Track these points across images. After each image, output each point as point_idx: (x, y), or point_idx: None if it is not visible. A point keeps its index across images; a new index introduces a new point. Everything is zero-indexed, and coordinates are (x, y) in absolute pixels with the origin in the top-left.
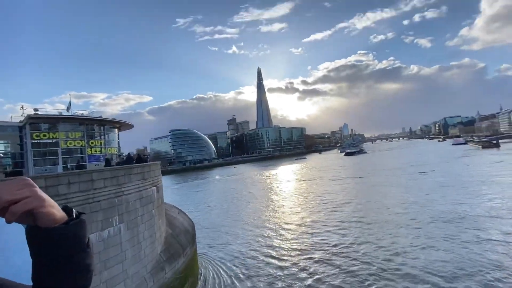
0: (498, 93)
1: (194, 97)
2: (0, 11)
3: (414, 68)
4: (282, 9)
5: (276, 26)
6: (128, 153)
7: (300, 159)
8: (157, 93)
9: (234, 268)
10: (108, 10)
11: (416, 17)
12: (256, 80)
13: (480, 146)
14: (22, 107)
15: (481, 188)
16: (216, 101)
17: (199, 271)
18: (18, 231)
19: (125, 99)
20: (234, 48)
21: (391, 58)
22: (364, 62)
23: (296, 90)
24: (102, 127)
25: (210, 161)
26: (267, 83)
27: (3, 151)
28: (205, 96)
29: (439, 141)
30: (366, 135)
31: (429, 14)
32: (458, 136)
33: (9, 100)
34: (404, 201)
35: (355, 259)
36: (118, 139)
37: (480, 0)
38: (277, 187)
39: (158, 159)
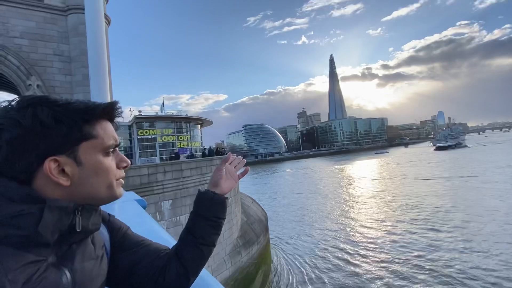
0: None
1: (265, 92)
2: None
3: None
4: None
5: (350, 8)
6: (210, 147)
7: (381, 153)
8: (231, 91)
9: (304, 263)
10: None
11: None
12: (328, 69)
13: None
14: (130, 109)
15: None
16: (286, 95)
17: (272, 259)
18: (135, 207)
19: (205, 99)
20: (303, 38)
21: (507, 25)
22: (466, 35)
23: (375, 76)
24: (188, 124)
25: (280, 154)
26: (340, 71)
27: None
28: (275, 91)
29: None
30: (470, 124)
31: None
32: None
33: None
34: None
35: (446, 277)
36: (201, 134)
37: None
38: (350, 184)
39: (234, 152)
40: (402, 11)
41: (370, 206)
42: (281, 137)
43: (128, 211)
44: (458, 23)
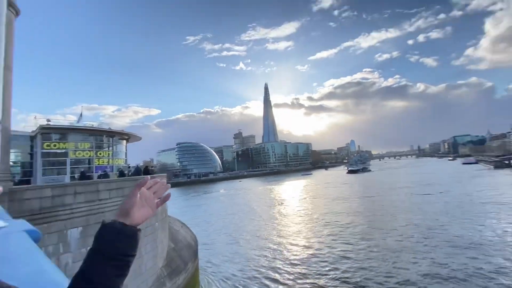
0: (507, 112)
1: (202, 111)
2: (20, 23)
3: (420, 86)
4: (288, 29)
5: (283, 44)
6: (137, 165)
7: (306, 174)
8: (165, 107)
9: (234, 287)
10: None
11: (421, 37)
12: (263, 95)
13: (493, 166)
14: (35, 117)
15: (496, 212)
16: (223, 115)
17: (201, 286)
18: (22, 240)
19: (134, 112)
20: (241, 64)
21: (397, 76)
22: (370, 80)
23: (302, 106)
24: (111, 139)
25: (215, 174)
26: (274, 99)
27: (13, 160)
28: (212, 110)
29: (449, 160)
30: (374, 152)
31: (434, 34)
32: (469, 155)
33: (22, 110)
34: (411, 223)
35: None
36: (126, 150)
37: (484, 22)
38: (281, 204)
39: (164, 171)
40: (324, 54)
41: (296, 224)
42: (217, 156)
43: (11, 246)
44: (364, 70)
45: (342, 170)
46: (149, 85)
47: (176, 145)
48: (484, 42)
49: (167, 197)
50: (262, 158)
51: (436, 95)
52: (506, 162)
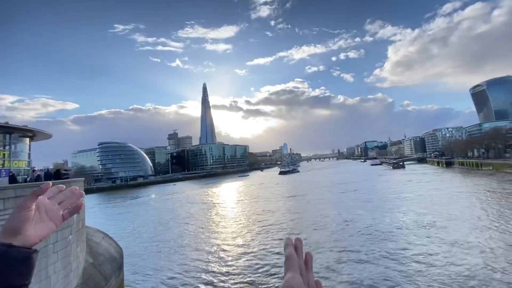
0: (402, 123)
1: (130, 107)
2: None
3: (340, 98)
4: (227, 32)
5: (222, 47)
6: (47, 169)
7: (243, 176)
8: (85, 101)
9: None
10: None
11: (342, 55)
12: (201, 95)
13: (391, 167)
14: None
15: (395, 204)
16: (156, 114)
17: None
18: None
19: (43, 105)
20: (178, 61)
21: (323, 87)
22: (300, 89)
23: (240, 109)
24: (7, 135)
25: (145, 178)
26: (212, 100)
27: None
28: (143, 108)
29: (361, 161)
30: (303, 154)
31: (351, 54)
32: (375, 158)
33: None
34: (331, 217)
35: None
36: (30, 150)
37: (387, 49)
38: (215, 206)
39: (82, 175)
40: (261, 60)
41: (229, 227)
42: (148, 159)
43: None
44: (296, 79)
45: (275, 171)
46: (64, 74)
47: (98, 145)
48: (387, 65)
49: (77, 207)
50: (199, 160)
51: (352, 106)
52: (401, 163)
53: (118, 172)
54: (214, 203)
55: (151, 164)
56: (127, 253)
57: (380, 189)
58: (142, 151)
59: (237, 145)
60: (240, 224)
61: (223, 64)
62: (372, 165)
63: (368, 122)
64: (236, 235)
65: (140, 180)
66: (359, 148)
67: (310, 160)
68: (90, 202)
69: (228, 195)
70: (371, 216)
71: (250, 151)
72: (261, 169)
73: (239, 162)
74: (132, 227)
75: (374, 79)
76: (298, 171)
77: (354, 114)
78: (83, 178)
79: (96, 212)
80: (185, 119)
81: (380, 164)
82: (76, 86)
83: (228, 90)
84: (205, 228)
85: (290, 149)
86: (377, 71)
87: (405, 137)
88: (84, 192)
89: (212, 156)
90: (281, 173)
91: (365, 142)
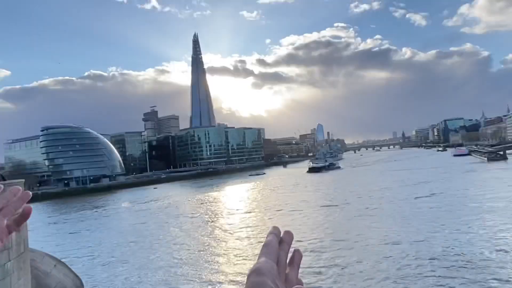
0: (504, 89)
1: (86, 74)
2: None
3: (407, 52)
4: None
5: None
6: None
7: (257, 175)
8: (19, 65)
9: None
10: None
11: None
12: (191, 53)
13: (486, 158)
14: None
15: (493, 221)
16: (124, 83)
17: None
18: None
19: None
20: (154, 2)
21: (378, 36)
22: (343, 39)
23: (250, 73)
24: None
25: (113, 178)
26: (208, 60)
27: None
28: (105, 74)
29: (438, 150)
30: (348, 141)
31: None
32: (460, 145)
33: None
34: (391, 239)
35: None
36: None
37: None
38: (214, 224)
39: (21, 175)
40: None
41: (239, 257)
42: (115, 150)
43: None
44: (335, 24)
45: (305, 167)
46: None
47: (42, 130)
48: None
49: (25, 215)
50: (190, 151)
51: (425, 65)
52: (500, 153)
53: (72, 171)
54: (213, 218)
55: (120, 159)
56: (87, 285)
57: (467, 195)
58: (106, 139)
59: (247, 128)
60: (252, 250)
61: (223, 4)
62: (455, 155)
63: (450, 89)
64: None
65: (105, 182)
66: (435, 130)
67: (359, 150)
68: (34, 215)
69: (235, 206)
70: (452, 235)
71: (267, 136)
72: (284, 163)
73: (250, 153)
74: (95, 250)
75: (460, 21)
76: (339, 167)
77: (428, 78)
78: (23, 180)
79: (43, 229)
80: (168, 90)
81: (468, 154)
82: (4, 42)
83: (231, 45)
84: (199, 254)
85: (328, 133)
86: (464, 8)
87: (508, 111)
88: (30, 193)
89: (210, 146)
90: (311, 170)
91: (444, 121)
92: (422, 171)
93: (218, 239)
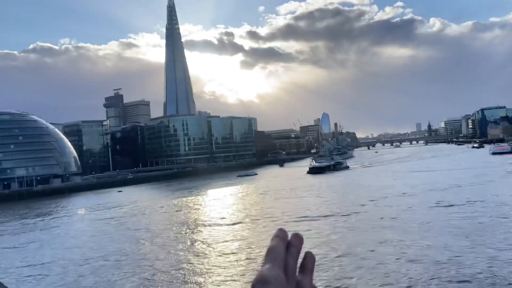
0: None
1: (31, 47)
2: None
3: (435, 23)
4: None
5: None
6: None
7: (246, 176)
8: None
9: None
10: None
11: None
12: (166, 23)
13: None
14: None
15: None
16: (80, 59)
17: None
18: None
19: None
20: None
21: (399, 3)
22: (355, 7)
23: (239, 48)
24: None
25: (66, 179)
26: (187, 32)
27: None
28: (55, 47)
29: (473, 147)
30: (360, 135)
31: None
32: (501, 140)
33: None
34: (410, 256)
35: None
36: None
37: None
38: (193, 235)
39: None
40: None
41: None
42: (70, 144)
43: None
44: None
45: (307, 167)
46: None
47: None
48: None
49: None
50: (164, 146)
51: (458, 40)
52: None
53: (14, 169)
54: (190, 229)
55: (75, 154)
56: None
57: (509, 203)
58: (57, 130)
59: (235, 117)
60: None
61: None
62: (494, 153)
63: (489, 71)
64: None
65: (57, 183)
66: (469, 121)
67: (374, 146)
68: None
69: (218, 214)
70: (487, 253)
71: (260, 128)
72: (281, 162)
73: (239, 149)
74: (42, 270)
75: None
76: (347, 167)
77: (462, 56)
78: None
79: None
80: (136, 69)
81: (511, 151)
82: None
83: (215, 13)
84: (167, 276)
85: (336, 124)
86: None
87: None
88: None
89: (188, 139)
90: (311, 171)
91: (482, 110)
92: (453, 173)
93: (198, 255)
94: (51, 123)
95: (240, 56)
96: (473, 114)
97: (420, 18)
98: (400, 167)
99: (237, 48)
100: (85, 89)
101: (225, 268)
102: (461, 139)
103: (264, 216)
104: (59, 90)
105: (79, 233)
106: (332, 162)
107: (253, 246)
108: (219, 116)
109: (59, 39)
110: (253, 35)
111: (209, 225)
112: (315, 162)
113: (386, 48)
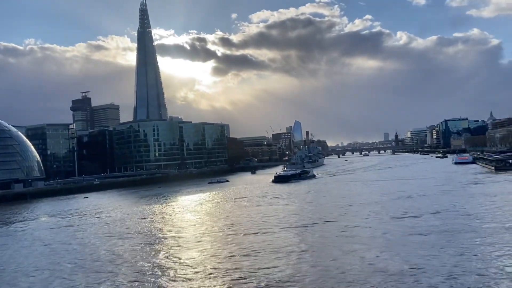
0: None
1: None
2: None
3: (402, 37)
4: None
5: None
6: None
7: (218, 182)
8: None
9: None
10: None
11: None
12: (138, 26)
13: (493, 168)
14: None
15: (500, 245)
16: (46, 60)
17: None
18: None
19: None
20: None
21: (368, 16)
22: (326, 18)
23: (212, 54)
24: None
25: (28, 184)
26: (157, 36)
27: None
28: (20, 48)
29: (437, 157)
30: (330, 143)
31: None
32: (463, 151)
33: None
34: (377, 267)
35: None
36: None
37: None
38: (158, 244)
39: None
40: None
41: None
42: (33, 147)
43: None
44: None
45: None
46: None
47: None
48: None
49: None
50: (133, 151)
51: (423, 54)
52: (511, 162)
53: None
54: (159, 239)
55: (38, 158)
56: None
57: (470, 213)
58: (20, 133)
59: (207, 123)
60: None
61: None
62: (457, 163)
63: (452, 83)
64: None
65: (18, 188)
66: (433, 132)
67: (344, 154)
68: None
69: (188, 222)
70: (451, 261)
71: (232, 134)
72: (253, 169)
73: (211, 155)
74: None
75: (466, 2)
76: (314, 176)
77: (426, 69)
78: None
79: None
80: (105, 72)
81: (473, 162)
82: None
83: (187, 18)
84: None
85: (308, 132)
86: None
87: None
88: None
89: (159, 144)
90: (276, 180)
91: (445, 122)
92: (417, 182)
93: (160, 266)
94: (13, 126)
95: (212, 63)
96: (437, 125)
97: (388, 31)
98: (367, 176)
99: (210, 54)
100: (51, 91)
101: (188, 279)
102: (426, 149)
103: (231, 224)
104: (23, 91)
105: (38, 241)
106: (298, 171)
107: (216, 251)
108: (191, 122)
109: (24, 39)
110: (226, 41)
111: (176, 232)
112: (283, 170)
113: (356, 59)
